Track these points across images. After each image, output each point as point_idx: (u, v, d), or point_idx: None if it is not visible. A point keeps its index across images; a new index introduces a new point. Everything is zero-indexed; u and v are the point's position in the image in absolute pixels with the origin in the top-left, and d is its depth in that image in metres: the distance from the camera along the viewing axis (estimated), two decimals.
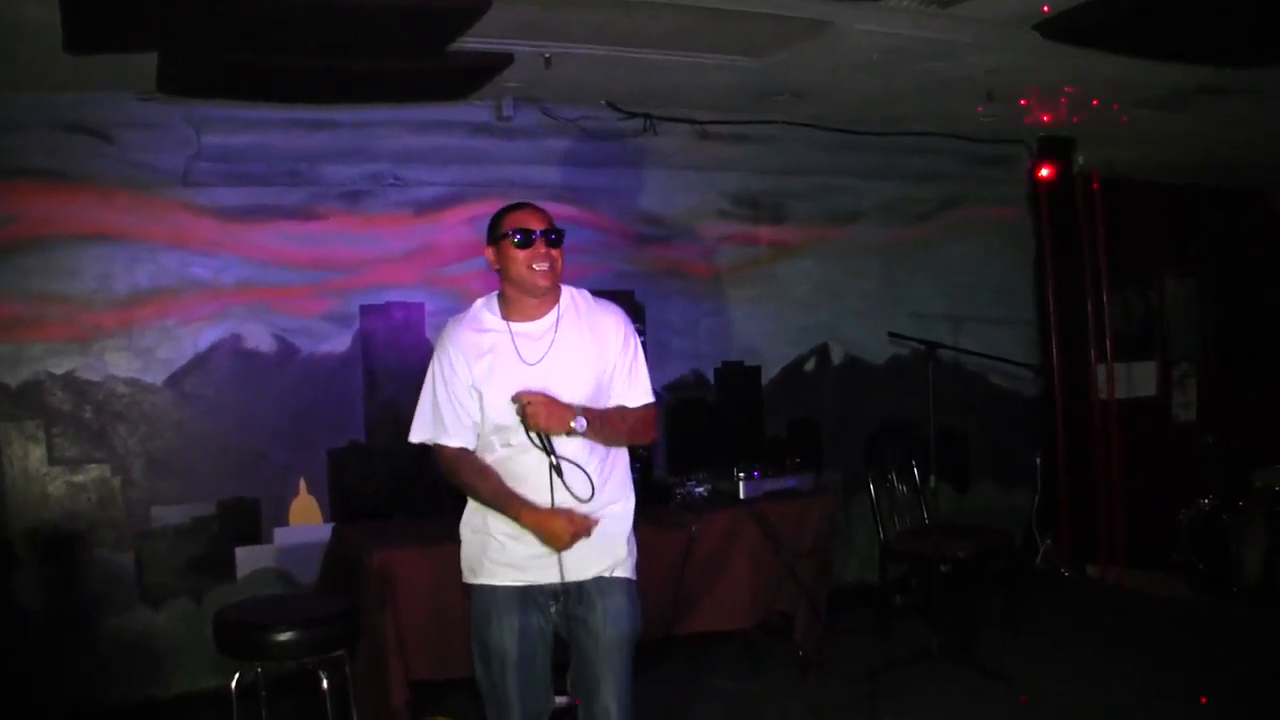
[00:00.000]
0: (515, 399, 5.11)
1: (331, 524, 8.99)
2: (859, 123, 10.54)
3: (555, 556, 5.25)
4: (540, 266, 5.22)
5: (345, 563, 8.07)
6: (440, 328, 5.59)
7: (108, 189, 8.55)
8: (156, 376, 8.70)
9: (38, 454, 8.41)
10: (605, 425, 5.28)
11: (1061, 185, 11.91)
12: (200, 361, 8.83)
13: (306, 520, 9.06)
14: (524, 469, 5.23)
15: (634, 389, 5.49)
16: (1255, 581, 10.61)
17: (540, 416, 5.07)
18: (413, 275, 9.50)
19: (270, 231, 9.04)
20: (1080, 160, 11.87)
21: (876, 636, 9.71)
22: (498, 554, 5.34)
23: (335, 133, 9.18)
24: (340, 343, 9.28)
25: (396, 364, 9.37)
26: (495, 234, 5.35)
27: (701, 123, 10.25)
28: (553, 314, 5.39)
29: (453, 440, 5.34)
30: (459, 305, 9.30)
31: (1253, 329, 13.98)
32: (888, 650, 9.21)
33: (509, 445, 5.24)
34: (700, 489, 8.95)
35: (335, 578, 8.25)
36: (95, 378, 8.53)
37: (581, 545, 5.26)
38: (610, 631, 5.34)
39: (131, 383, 8.63)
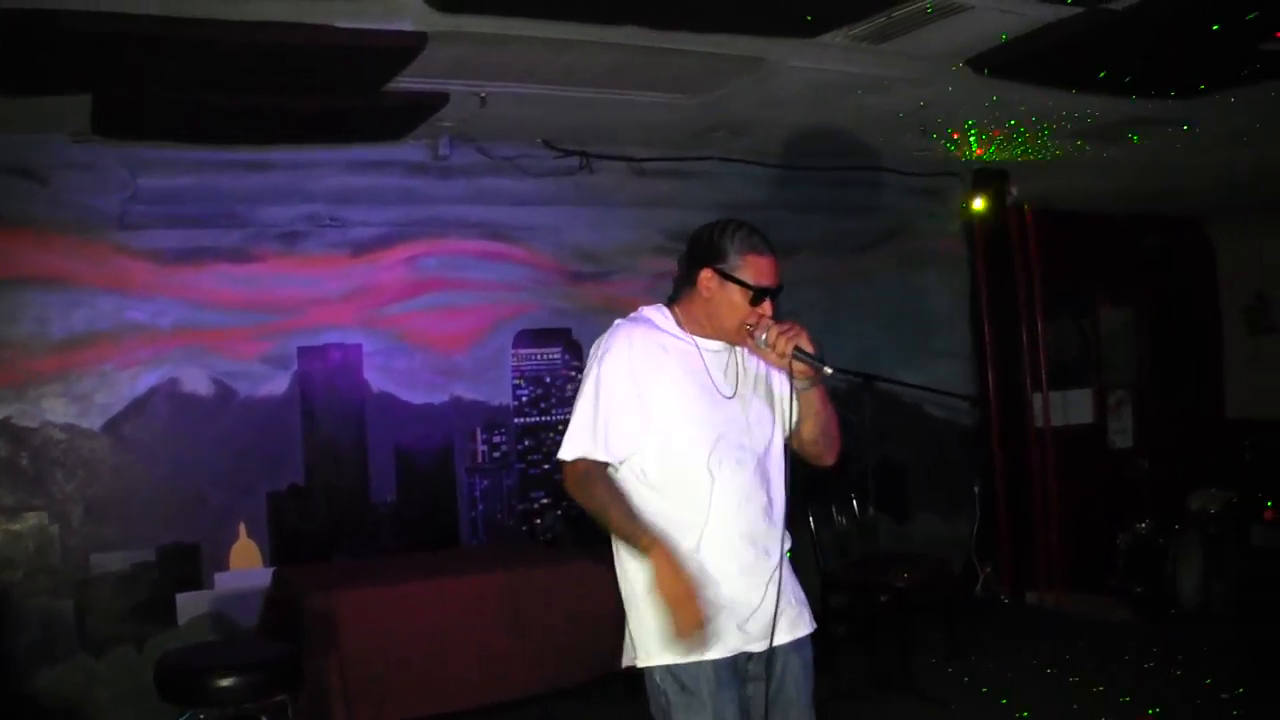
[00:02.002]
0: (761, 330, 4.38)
1: (272, 568, 8.94)
2: (795, 157, 10.58)
3: (767, 615, 4.48)
4: (752, 324, 4.43)
5: (286, 606, 8.03)
6: (607, 332, 4.64)
7: (43, 232, 8.49)
8: (94, 422, 8.63)
9: None
10: (825, 410, 4.63)
11: (996, 217, 11.99)
12: (138, 406, 8.77)
13: (247, 564, 9.02)
14: (726, 496, 4.44)
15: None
16: (1192, 603, 10.74)
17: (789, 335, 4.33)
18: (351, 316, 9.49)
19: (207, 274, 9.00)
20: (1014, 192, 11.95)
21: (818, 667, 9.71)
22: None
23: (272, 173, 9.14)
24: (278, 385, 9.25)
25: (335, 405, 9.37)
26: (724, 265, 4.45)
27: (637, 160, 10.29)
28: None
29: (604, 456, 4.47)
30: (398, 346, 9.42)
31: (1187, 355, 14.12)
32: (830, 681, 9.20)
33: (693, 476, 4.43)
34: None
35: (277, 621, 8.20)
36: (32, 424, 8.45)
37: (790, 597, 4.61)
38: (806, 696, 4.68)
39: (69, 428, 8.55)
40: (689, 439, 4.43)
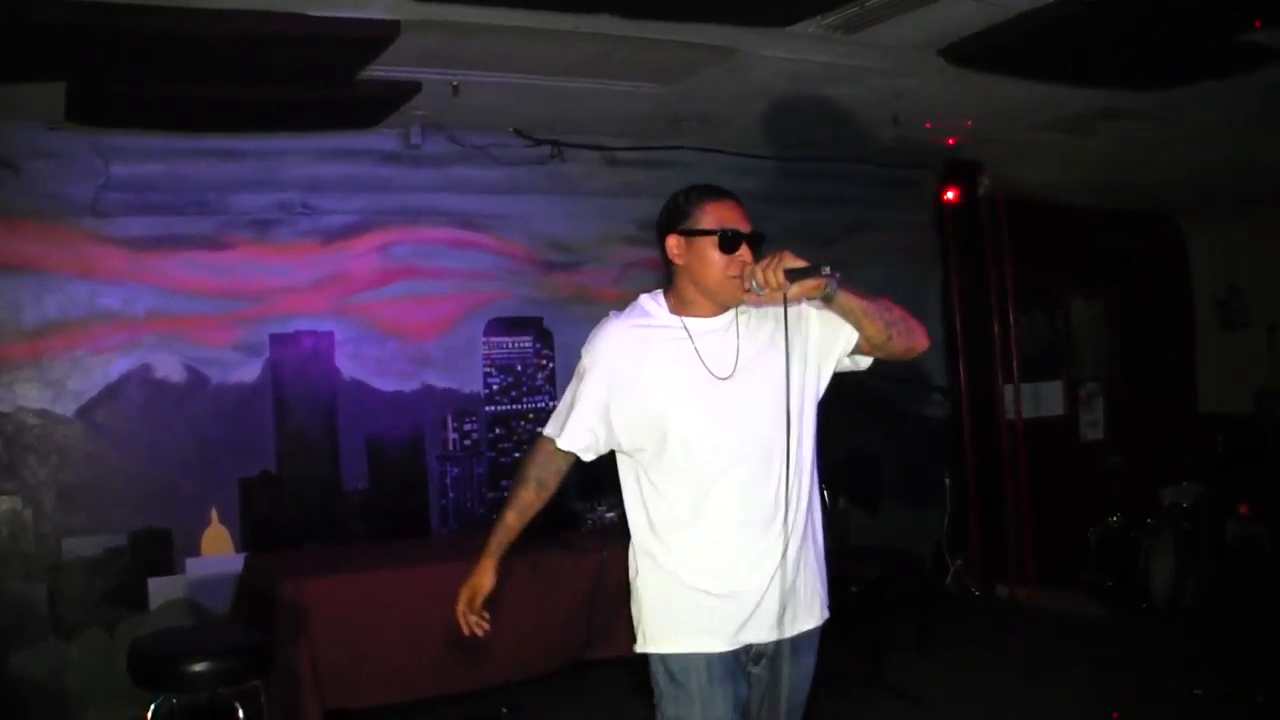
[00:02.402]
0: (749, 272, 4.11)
1: (244, 554, 8.95)
2: (766, 147, 10.60)
3: (774, 606, 4.30)
4: (738, 276, 4.21)
5: (258, 592, 8.05)
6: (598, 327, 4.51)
7: (15, 219, 8.49)
8: (67, 408, 8.63)
9: None
10: (865, 300, 4.32)
11: (967, 208, 12.00)
12: (111, 392, 8.77)
13: (218, 550, 9.01)
14: (739, 489, 4.25)
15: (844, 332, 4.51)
16: (1164, 597, 10.72)
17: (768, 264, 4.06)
18: (322, 304, 9.49)
19: (179, 261, 9.00)
20: (986, 183, 11.97)
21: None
22: (696, 608, 4.30)
23: (244, 162, 9.17)
24: (250, 372, 9.25)
25: (307, 393, 9.37)
26: (685, 223, 4.31)
27: (609, 149, 10.34)
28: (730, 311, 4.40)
29: (564, 445, 4.44)
30: (369, 334, 9.42)
31: (1159, 347, 14.17)
32: None
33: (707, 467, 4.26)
34: (610, 514, 8.98)
35: (248, 607, 8.22)
36: (5, 409, 8.45)
37: (800, 587, 4.40)
38: (798, 696, 4.54)
39: (42, 414, 8.55)
40: (681, 429, 4.25)
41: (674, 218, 4.34)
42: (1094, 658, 9.58)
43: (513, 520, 4.61)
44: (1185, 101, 9.02)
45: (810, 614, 4.47)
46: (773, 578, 4.28)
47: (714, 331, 4.35)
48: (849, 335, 4.42)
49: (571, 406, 4.41)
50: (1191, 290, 14.72)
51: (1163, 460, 12.57)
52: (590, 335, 4.46)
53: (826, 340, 4.45)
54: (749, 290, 4.14)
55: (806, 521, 4.43)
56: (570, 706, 8.46)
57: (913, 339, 4.48)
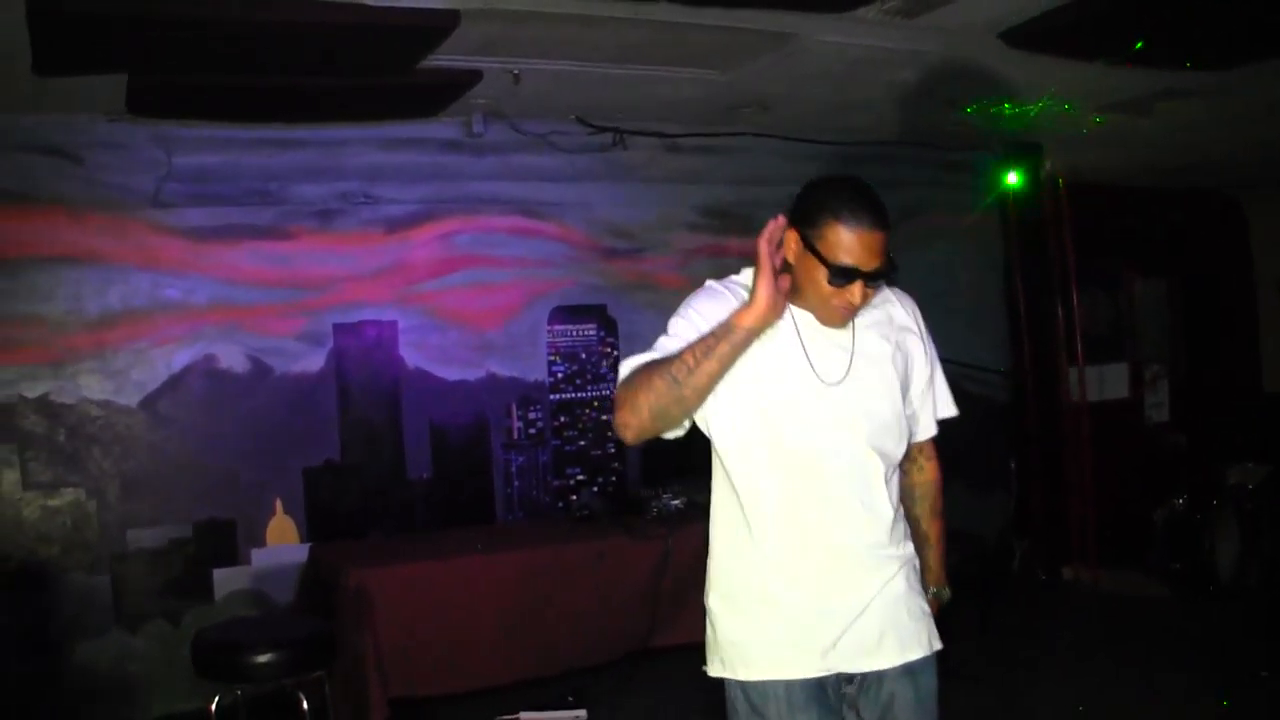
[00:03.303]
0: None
1: (308, 544, 9.00)
2: (825, 132, 10.53)
3: (872, 632, 3.89)
4: (843, 311, 3.82)
5: (322, 583, 8.08)
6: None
7: (78, 210, 8.53)
8: (130, 398, 8.68)
9: (11, 478, 8.37)
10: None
11: (1029, 191, 11.92)
12: (174, 383, 8.81)
13: (283, 540, 9.05)
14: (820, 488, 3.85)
15: (941, 407, 4.36)
16: (1230, 579, 10.67)
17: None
18: (385, 293, 9.51)
19: (241, 251, 9.04)
20: (1047, 165, 11.89)
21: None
22: (780, 631, 3.89)
23: (305, 151, 9.20)
24: (314, 362, 9.28)
25: (370, 382, 9.40)
26: (807, 228, 3.74)
27: (670, 135, 10.30)
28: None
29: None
30: (432, 323, 9.45)
31: (1221, 328, 14.08)
32: None
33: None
34: (675, 501, 8.98)
35: (312, 598, 8.25)
36: (69, 400, 8.50)
37: (903, 613, 3.96)
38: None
39: (105, 405, 8.60)
40: (777, 436, 3.83)
41: (801, 213, 3.77)
42: (1159, 639, 9.54)
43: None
44: (1246, 81, 8.93)
45: (918, 643, 3.97)
46: (872, 601, 3.88)
47: (825, 330, 3.89)
48: (924, 426, 4.27)
49: (661, 342, 3.77)
50: (1253, 269, 14.63)
51: (1227, 440, 12.51)
52: (686, 300, 3.92)
53: (914, 400, 4.18)
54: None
55: (904, 539, 4.07)
56: (635, 694, 8.43)
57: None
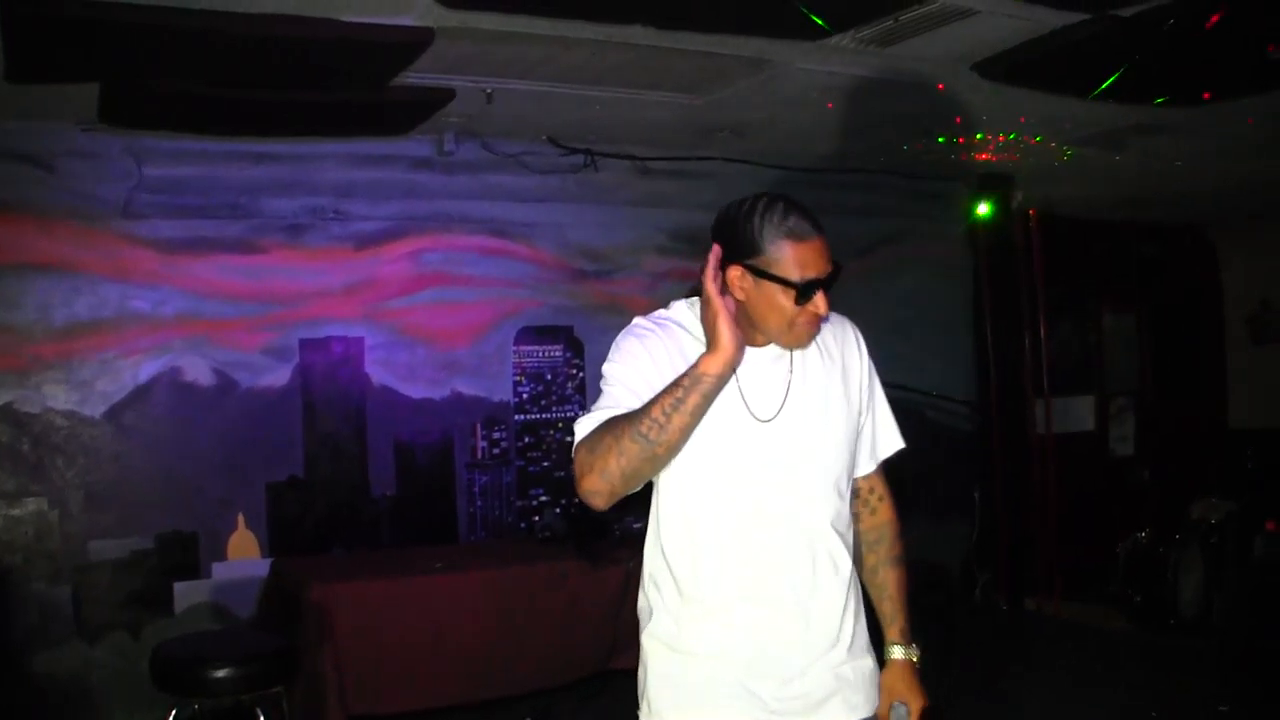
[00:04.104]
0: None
1: (270, 559, 8.93)
2: (798, 158, 10.56)
3: (819, 690, 3.62)
4: (810, 327, 3.58)
5: (283, 597, 8.05)
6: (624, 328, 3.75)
7: (48, 219, 8.53)
8: (95, 409, 8.67)
9: None
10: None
11: (1000, 221, 11.95)
12: (139, 394, 8.81)
13: (245, 554, 9.03)
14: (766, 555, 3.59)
15: (882, 440, 4.05)
16: (1192, 612, 10.69)
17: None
18: (353, 309, 9.52)
19: (210, 264, 9.04)
20: (1019, 197, 11.93)
21: None
22: (712, 683, 3.64)
23: (276, 165, 9.19)
24: (280, 376, 9.28)
25: (336, 398, 9.40)
26: (755, 257, 3.49)
27: (642, 158, 10.30)
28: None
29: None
30: (399, 340, 9.45)
31: (1190, 362, 14.13)
32: None
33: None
34: (637, 524, 8.95)
35: (274, 612, 8.22)
36: (33, 410, 8.48)
37: (852, 670, 3.74)
38: None
39: (70, 415, 8.58)
40: (703, 479, 3.58)
41: (741, 244, 3.51)
42: (1121, 672, 9.55)
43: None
44: (1218, 117, 8.99)
45: (867, 702, 3.77)
46: (818, 659, 3.63)
47: (760, 362, 3.65)
48: (863, 460, 3.96)
49: (608, 393, 3.55)
50: (1222, 304, 14.69)
51: (1192, 474, 12.56)
52: (615, 342, 3.67)
53: (864, 434, 3.94)
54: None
55: (853, 590, 3.80)
56: (596, 715, 8.43)
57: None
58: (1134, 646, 10.39)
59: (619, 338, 3.67)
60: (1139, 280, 13.82)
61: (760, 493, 3.57)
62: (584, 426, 3.47)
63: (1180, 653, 10.04)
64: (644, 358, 3.56)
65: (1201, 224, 14.31)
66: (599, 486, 3.38)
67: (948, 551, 11.80)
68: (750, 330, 3.57)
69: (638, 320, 3.73)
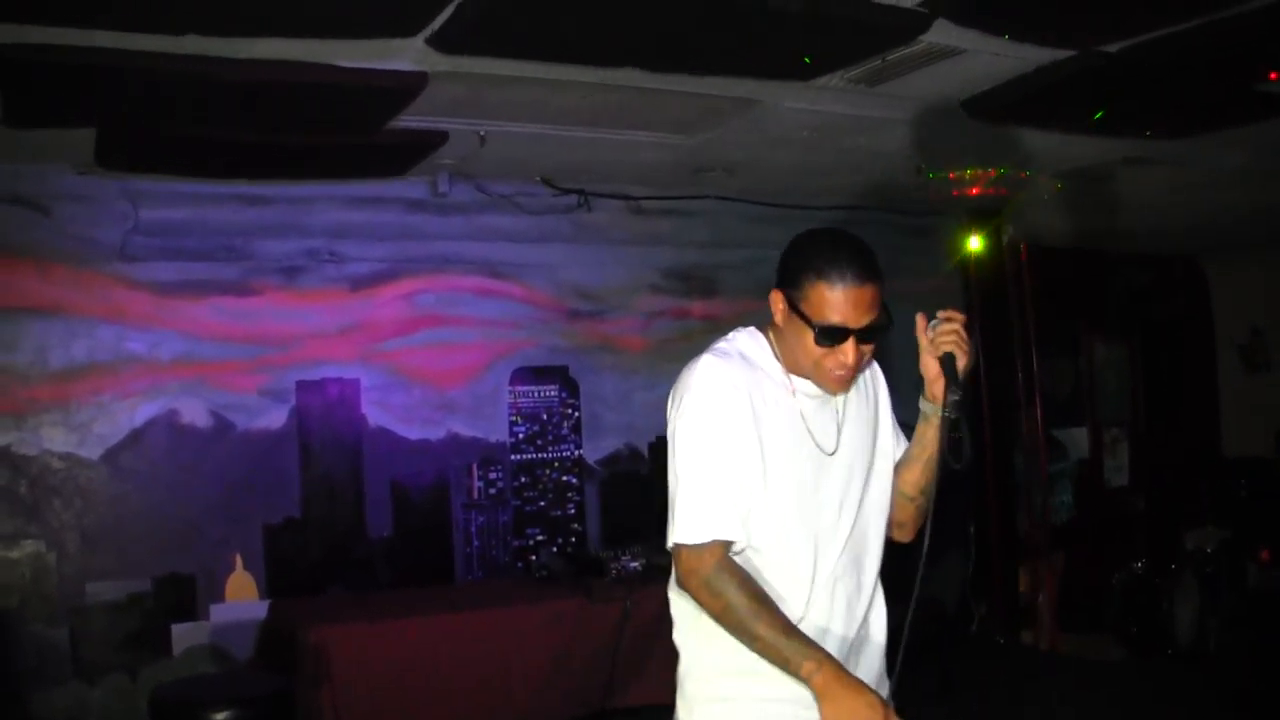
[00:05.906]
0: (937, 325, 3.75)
1: (268, 600, 8.96)
2: (789, 196, 10.59)
3: None
4: (838, 372, 3.54)
5: (281, 639, 8.06)
6: (694, 370, 3.59)
7: (45, 262, 8.55)
8: (92, 451, 8.67)
9: None
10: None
11: (990, 255, 11.97)
12: (136, 437, 8.81)
13: (243, 596, 9.03)
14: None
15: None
16: (1188, 642, 10.69)
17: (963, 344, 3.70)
18: (349, 351, 9.54)
19: (206, 306, 9.06)
20: (1009, 230, 11.95)
21: None
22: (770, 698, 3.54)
23: (271, 208, 9.22)
24: (276, 418, 9.29)
25: (332, 439, 9.41)
26: (791, 288, 3.51)
27: (634, 198, 10.37)
28: None
29: (733, 533, 3.46)
30: (395, 381, 9.46)
31: (1182, 392, 14.14)
32: None
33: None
34: (635, 563, 8.98)
35: (271, 654, 8.23)
36: (30, 452, 8.49)
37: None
38: None
39: (67, 457, 8.59)
40: (775, 508, 3.53)
41: (786, 271, 3.55)
42: (1118, 703, 9.56)
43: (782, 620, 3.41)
44: (1206, 149, 9.03)
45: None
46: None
47: (813, 390, 3.65)
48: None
49: (723, 479, 3.45)
50: (1214, 333, 14.69)
51: (1186, 504, 12.57)
52: (687, 383, 3.55)
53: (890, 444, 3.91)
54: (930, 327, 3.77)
55: (866, 626, 3.85)
56: None
57: (913, 525, 3.96)
58: (1132, 677, 10.38)
59: (696, 387, 3.54)
60: (1131, 310, 13.83)
61: (829, 524, 3.61)
62: (689, 530, 3.46)
63: (1178, 682, 10.05)
64: (731, 410, 3.50)
65: (1192, 253, 14.34)
66: (701, 599, 3.49)
67: (943, 585, 11.78)
68: (789, 360, 3.62)
69: (708, 359, 3.59)
